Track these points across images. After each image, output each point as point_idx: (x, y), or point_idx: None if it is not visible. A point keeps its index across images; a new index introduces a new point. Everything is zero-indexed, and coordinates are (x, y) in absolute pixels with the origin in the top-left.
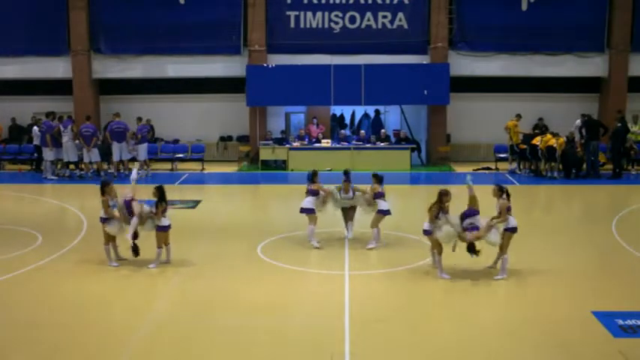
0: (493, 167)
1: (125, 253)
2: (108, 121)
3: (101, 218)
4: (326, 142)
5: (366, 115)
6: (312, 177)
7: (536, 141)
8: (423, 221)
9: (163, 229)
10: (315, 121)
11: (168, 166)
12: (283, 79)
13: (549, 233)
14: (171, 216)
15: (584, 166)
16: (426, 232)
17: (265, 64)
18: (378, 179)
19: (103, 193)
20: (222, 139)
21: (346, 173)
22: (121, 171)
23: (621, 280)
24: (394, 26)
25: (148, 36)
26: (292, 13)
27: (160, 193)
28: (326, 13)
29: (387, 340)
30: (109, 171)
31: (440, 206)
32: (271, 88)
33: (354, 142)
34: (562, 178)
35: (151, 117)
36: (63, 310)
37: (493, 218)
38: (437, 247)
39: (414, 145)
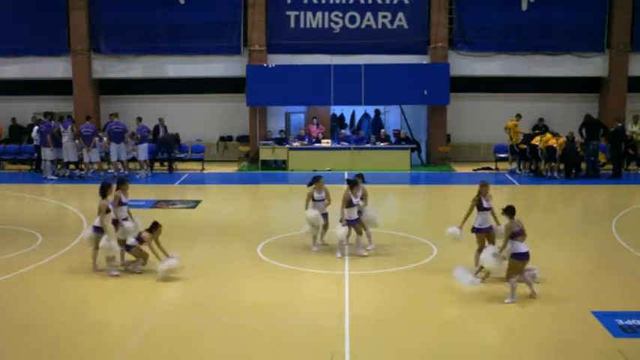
0: (493, 167)
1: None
2: (107, 122)
3: (113, 220)
4: (326, 142)
5: (366, 115)
6: (314, 182)
7: (536, 141)
8: (425, 221)
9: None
10: (315, 121)
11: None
12: (283, 79)
13: (549, 233)
14: (172, 216)
15: (584, 165)
16: (475, 230)
17: (265, 64)
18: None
19: (104, 195)
20: (222, 139)
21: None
22: (121, 171)
23: (621, 280)
24: (394, 26)
25: (148, 36)
26: (292, 13)
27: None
28: (326, 13)
29: (387, 340)
30: (109, 171)
31: (480, 197)
32: (271, 88)
33: (354, 142)
34: (562, 178)
35: (151, 117)
36: (63, 310)
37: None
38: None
39: (414, 145)
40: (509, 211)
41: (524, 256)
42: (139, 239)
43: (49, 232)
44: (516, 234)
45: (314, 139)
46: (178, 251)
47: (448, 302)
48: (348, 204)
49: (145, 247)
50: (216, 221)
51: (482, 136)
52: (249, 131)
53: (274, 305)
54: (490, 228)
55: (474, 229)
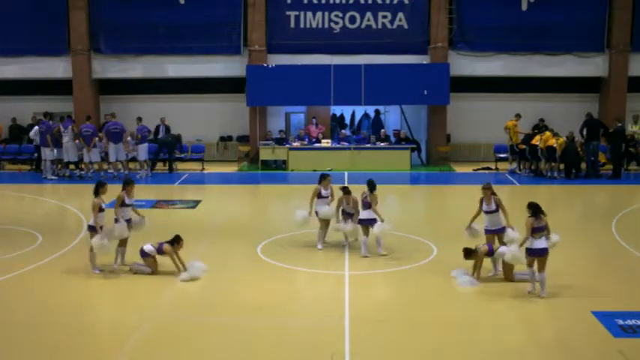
0: (493, 167)
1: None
2: (103, 122)
3: (115, 220)
4: (326, 142)
5: (366, 115)
6: (321, 179)
7: (536, 141)
8: (425, 221)
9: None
10: (314, 121)
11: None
12: (283, 79)
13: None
14: (172, 216)
15: (584, 165)
16: (485, 231)
17: (265, 64)
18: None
19: (97, 194)
20: (222, 139)
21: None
22: (121, 171)
23: (621, 280)
24: (394, 26)
25: (148, 36)
26: (292, 13)
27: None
28: (326, 13)
29: (387, 340)
30: (109, 171)
31: (481, 200)
32: (271, 88)
33: (354, 141)
34: (562, 178)
35: (151, 117)
36: (63, 310)
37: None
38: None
39: (414, 145)
40: (531, 208)
41: (537, 252)
42: (160, 250)
43: (49, 232)
44: (534, 230)
45: (314, 139)
46: (201, 261)
47: (448, 302)
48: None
49: (165, 258)
50: (216, 221)
51: (482, 136)
52: (249, 131)
53: (274, 305)
54: (502, 229)
55: (484, 230)
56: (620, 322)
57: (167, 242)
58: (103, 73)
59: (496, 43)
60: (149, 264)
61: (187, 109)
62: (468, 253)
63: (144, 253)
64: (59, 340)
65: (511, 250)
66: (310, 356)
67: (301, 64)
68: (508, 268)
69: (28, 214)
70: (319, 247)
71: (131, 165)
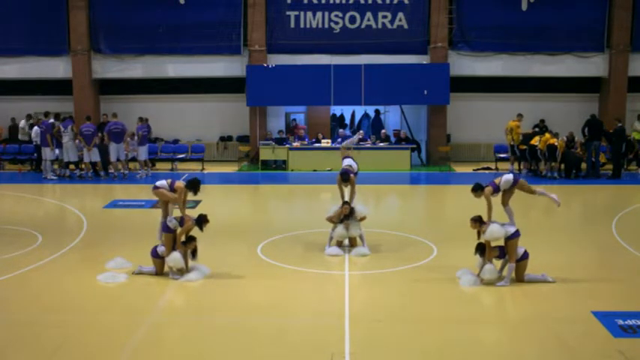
0: (493, 167)
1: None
2: (102, 122)
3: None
4: (326, 142)
5: (366, 115)
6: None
7: (535, 141)
8: (425, 221)
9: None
10: (294, 122)
11: (168, 166)
12: (283, 79)
13: (549, 233)
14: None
15: (584, 165)
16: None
17: (265, 64)
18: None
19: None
20: (222, 139)
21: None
22: (121, 171)
23: (621, 280)
24: (394, 26)
25: (148, 36)
26: (292, 13)
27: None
28: (326, 13)
29: (387, 340)
30: (110, 171)
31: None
32: (271, 88)
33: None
34: (562, 178)
35: (151, 117)
36: (63, 310)
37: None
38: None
39: (414, 145)
40: (478, 186)
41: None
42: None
43: (49, 232)
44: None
45: (314, 140)
46: (204, 265)
47: (448, 302)
48: None
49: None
50: (216, 221)
51: (482, 136)
52: (249, 131)
53: (274, 305)
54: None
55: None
56: (620, 322)
57: (182, 242)
58: (103, 73)
59: (496, 43)
60: (156, 265)
61: (187, 109)
62: (481, 249)
63: (155, 254)
64: (59, 340)
65: (491, 228)
66: (310, 356)
67: (301, 64)
68: (520, 268)
69: (28, 214)
70: (327, 250)
71: (131, 165)
